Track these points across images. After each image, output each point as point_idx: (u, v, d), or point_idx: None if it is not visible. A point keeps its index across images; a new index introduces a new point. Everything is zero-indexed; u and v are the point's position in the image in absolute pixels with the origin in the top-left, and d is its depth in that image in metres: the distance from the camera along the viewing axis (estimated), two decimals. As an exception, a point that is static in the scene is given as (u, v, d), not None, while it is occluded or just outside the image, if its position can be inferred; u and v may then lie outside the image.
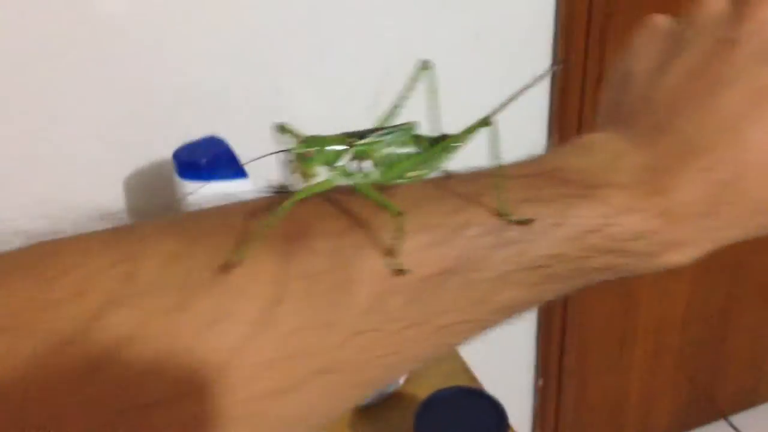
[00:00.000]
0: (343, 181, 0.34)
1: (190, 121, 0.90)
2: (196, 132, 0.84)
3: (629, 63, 0.40)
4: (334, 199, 0.33)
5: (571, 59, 1.05)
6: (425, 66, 0.38)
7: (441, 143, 0.36)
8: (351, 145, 0.34)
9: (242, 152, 0.81)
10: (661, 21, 0.41)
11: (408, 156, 0.36)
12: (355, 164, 0.35)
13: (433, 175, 0.36)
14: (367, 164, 0.35)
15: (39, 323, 0.26)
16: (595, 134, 0.38)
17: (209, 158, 0.80)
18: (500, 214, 0.33)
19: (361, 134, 0.35)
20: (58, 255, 0.29)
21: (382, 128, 0.36)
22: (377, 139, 0.35)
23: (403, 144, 0.36)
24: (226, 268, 0.29)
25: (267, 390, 0.29)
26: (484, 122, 0.34)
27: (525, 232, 0.33)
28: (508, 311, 0.34)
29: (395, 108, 0.38)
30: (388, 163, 0.35)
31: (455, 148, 0.36)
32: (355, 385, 0.32)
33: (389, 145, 0.35)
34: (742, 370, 1.72)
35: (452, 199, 0.33)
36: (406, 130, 0.36)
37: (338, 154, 0.34)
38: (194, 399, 0.28)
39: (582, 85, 1.07)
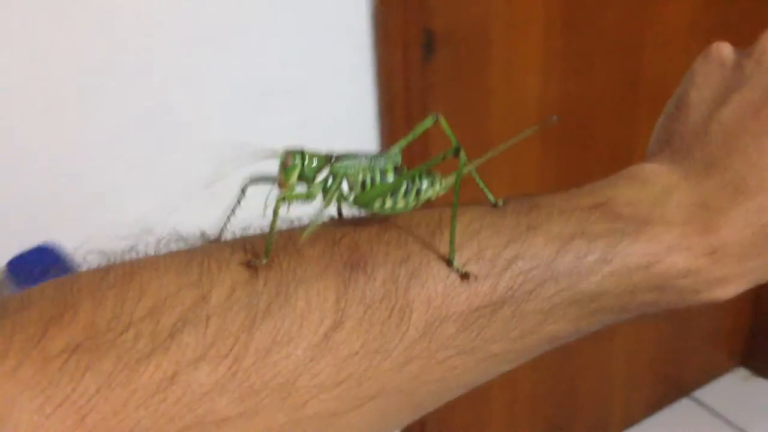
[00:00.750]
0: (321, 198, 0.35)
1: (22, 228, 0.88)
2: (29, 239, 0.83)
3: (687, 91, 0.39)
4: (390, 226, 0.34)
5: (394, 136, 1.09)
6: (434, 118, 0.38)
7: (416, 174, 0.36)
8: (331, 163, 0.35)
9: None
10: (724, 51, 0.40)
11: (383, 184, 0.35)
12: (330, 182, 0.35)
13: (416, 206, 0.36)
14: (345, 185, 0.36)
15: (119, 341, 0.28)
16: (648, 165, 0.38)
17: (42, 268, 0.80)
18: (448, 262, 0.33)
19: (344, 156, 0.36)
20: (135, 275, 0.30)
21: (367, 154, 0.36)
22: (356, 163, 0.35)
23: (383, 172, 0.36)
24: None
25: (324, 412, 0.30)
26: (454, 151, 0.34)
27: (574, 266, 0.33)
28: (553, 342, 0.35)
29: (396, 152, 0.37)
30: (362, 187, 0.35)
31: (430, 183, 0.36)
32: (406, 409, 0.33)
33: (367, 170, 0.35)
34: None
35: (506, 231, 0.34)
36: (388, 159, 0.36)
37: (316, 169, 0.35)
38: (258, 417, 0.29)
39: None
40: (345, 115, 1.09)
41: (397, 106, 1.07)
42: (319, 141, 1.10)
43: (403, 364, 0.31)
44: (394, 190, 0.35)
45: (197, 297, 0.29)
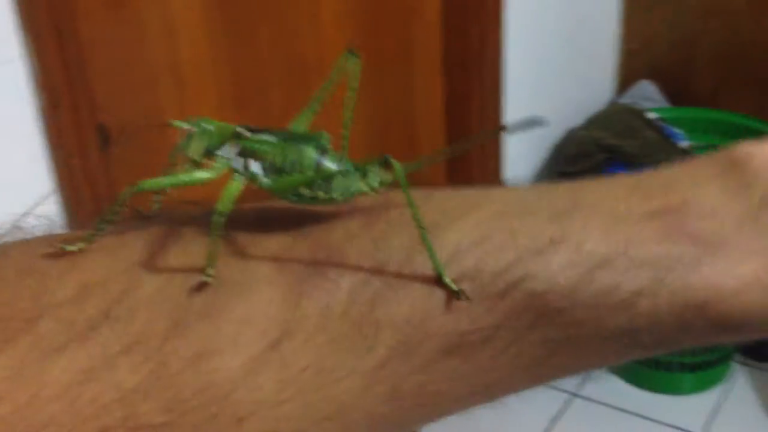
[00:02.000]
0: (238, 178, 0.29)
1: None
2: None
3: None
4: (374, 220, 0.29)
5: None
6: (351, 54, 0.32)
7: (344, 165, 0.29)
8: (238, 137, 0.30)
9: None
10: None
11: (302, 171, 0.29)
12: (240, 161, 0.30)
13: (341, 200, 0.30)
14: (256, 166, 0.30)
15: (35, 328, 0.25)
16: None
17: None
18: (437, 276, 0.27)
19: (261, 131, 0.30)
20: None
21: (287, 132, 0.30)
22: (271, 140, 0.30)
23: (303, 157, 0.29)
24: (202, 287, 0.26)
25: (267, 431, 0.26)
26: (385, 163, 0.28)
27: (601, 297, 0.27)
28: (567, 373, 0.30)
29: (316, 102, 0.31)
30: (278, 173, 0.29)
31: (361, 176, 0.29)
32: None
33: (285, 152, 0.29)
34: None
35: (523, 239, 0.28)
36: (312, 141, 0.30)
37: (220, 140, 0.30)
38: (187, 430, 0.25)
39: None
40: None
41: (85, 206, 1.04)
42: None
43: (369, 385, 0.27)
44: (313, 180, 0.29)
45: (126, 287, 0.27)
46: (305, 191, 0.29)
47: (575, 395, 1.83)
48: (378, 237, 0.28)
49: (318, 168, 0.29)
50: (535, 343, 0.28)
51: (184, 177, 0.31)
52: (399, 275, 0.27)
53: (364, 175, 0.29)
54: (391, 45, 1.56)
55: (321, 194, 0.29)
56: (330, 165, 0.29)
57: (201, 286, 0.27)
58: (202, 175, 0.30)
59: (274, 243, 0.28)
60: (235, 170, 0.30)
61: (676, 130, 1.83)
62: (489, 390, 0.29)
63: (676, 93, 2.01)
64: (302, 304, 0.27)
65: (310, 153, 0.29)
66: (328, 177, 0.29)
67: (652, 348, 0.29)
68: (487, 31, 1.60)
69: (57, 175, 1.02)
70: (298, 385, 0.26)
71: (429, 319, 0.27)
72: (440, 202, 0.30)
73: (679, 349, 0.30)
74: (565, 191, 0.30)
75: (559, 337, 0.27)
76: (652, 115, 1.83)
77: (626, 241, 0.27)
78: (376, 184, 0.29)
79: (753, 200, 0.27)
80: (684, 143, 1.80)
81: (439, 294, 0.27)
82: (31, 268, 0.27)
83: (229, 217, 0.28)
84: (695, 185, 0.28)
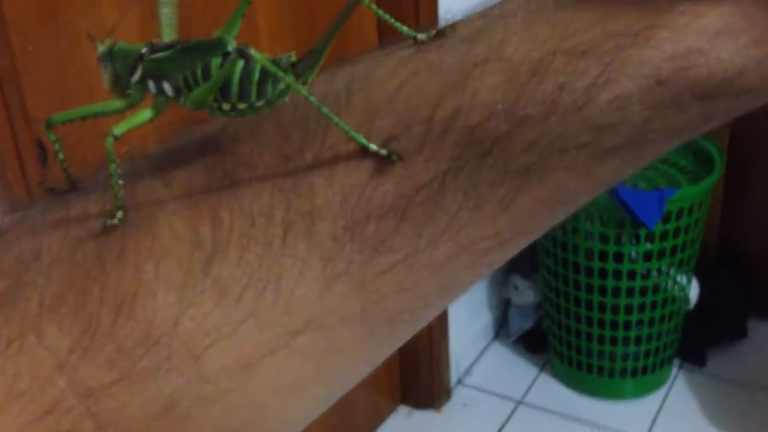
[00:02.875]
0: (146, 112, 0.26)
1: None
2: None
3: None
4: (277, 114, 0.26)
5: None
6: None
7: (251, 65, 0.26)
8: (141, 58, 0.27)
9: None
10: None
11: (209, 80, 0.26)
12: (151, 84, 0.27)
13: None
14: (168, 86, 0.27)
15: None
16: None
17: None
18: (363, 147, 0.24)
19: (166, 47, 0.27)
20: None
21: (188, 42, 0.27)
22: (171, 55, 0.27)
23: (207, 65, 0.26)
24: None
25: (231, 363, 0.24)
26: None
27: (550, 105, 0.23)
28: (560, 204, 0.26)
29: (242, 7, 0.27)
30: (187, 86, 0.27)
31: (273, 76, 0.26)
32: (358, 342, 0.25)
33: (189, 64, 0.27)
34: None
35: (444, 76, 0.25)
36: (215, 46, 0.26)
37: (126, 66, 0.27)
38: (142, 383, 0.23)
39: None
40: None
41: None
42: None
43: (327, 285, 0.24)
44: (225, 87, 0.26)
45: (34, 253, 0.25)
46: (225, 104, 0.26)
47: (520, 402, 1.84)
48: (287, 127, 0.26)
49: (224, 73, 0.26)
50: (497, 181, 0.24)
51: (97, 107, 0.28)
52: (319, 158, 0.25)
53: (275, 77, 0.26)
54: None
55: (242, 105, 0.26)
56: (237, 67, 0.26)
57: (107, 231, 0.25)
58: (115, 104, 0.28)
59: (182, 173, 0.26)
60: (154, 95, 0.27)
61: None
62: (474, 250, 0.25)
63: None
64: (223, 217, 0.25)
65: (215, 59, 0.27)
66: (238, 84, 0.26)
67: (638, 146, 0.25)
68: None
69: (-8, 192, 0.99)
70: (247, 307, 0.24)
71: (368, 192, 0.25)
72: (343, 76, 0.27)
73: (650, 157, 0.25)
74: (471, 18, 0.27)
75: (518, 166, 0.24)
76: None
77: (560, 35, 0.24)
78: (291, 83, 0.26)
79: None
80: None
81: (370, 164, 0.25)
82: None
83: (141, 156, 0.27)
84: None
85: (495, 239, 0.25)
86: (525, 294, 1.99)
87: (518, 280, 1.99)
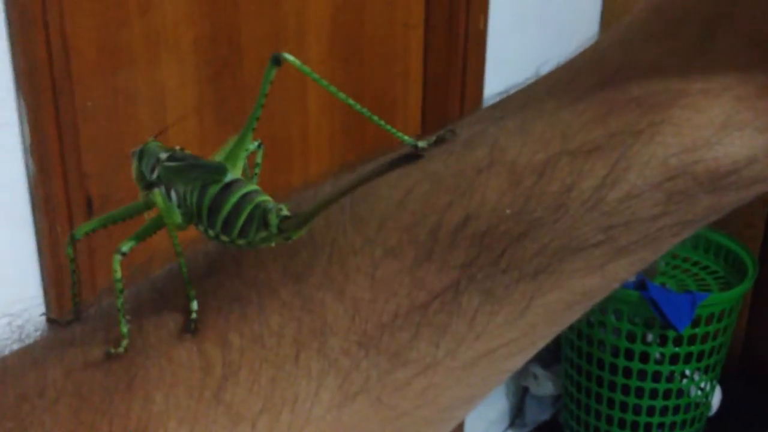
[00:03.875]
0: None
1: None
2: None
3: None
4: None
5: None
6: (277, 61, 0.28)
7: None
8: (158, 161, 0.27)
9: None
10: None
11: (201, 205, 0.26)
12: (162, 189, 0.27)
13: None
14: (173, 195, 0.27)
15: None
16: None
17: None
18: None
19: (182, 157, 0.27)
20: None
21: (196, 159, 0.27)
22: (176, 166, 0.27)
23: (205, 187, 0.26)
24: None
25: None
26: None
27: (558, 207, 0.23)
28: (578, 303, 0.25)
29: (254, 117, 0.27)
30: (187, 203, 0.26)
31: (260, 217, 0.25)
32: None
33: (185, 182, 0.26)
34: None
35: (449, 182, 0.24)
36: (215, 173, 0.26)
37: (149, 165, 0.27)
38: None
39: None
40: (5, 293, 1.00)
41: (67, 274, 1.01)
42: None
43: (345, 404, 0.24)
44: (211, 215, 0.25)
45: (38, 388, 0.24)
46: (210, 231, 0.26)
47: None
48: (293, 249, 0.25)
49: (210, 205, 0.26)
50: (510, 287, 0.24)
51: (117, 212, 0.28)
52: (329, 269, 0.24)
53: (262, 221, 0.25)
54: (373, 130, 1.57)
55: (224, 237, 0.25)
56: (224, 204, 0.25)
57: (114, 359, 0.24)
58: (135, 206, 0.28)
59: (182, 294, 0.25)
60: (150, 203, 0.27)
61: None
62: (491, 359, 0.25)
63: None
64: (231, 341, 0.24)
65: (214, 185, 0.26)
66: (225, 214, 0.25)
67: (646, 243, 0.24)
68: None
69: (40, 243, 1.00)
70: (265, 425, 0.23)
71: (379, 303, 0.24)
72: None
73: (660, 249, 0.25)
74: (474, 118, 0.26)
75: (530, 270, 0.24)
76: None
77: (562, 136, 0.24)
78: (274, 231, 0.24)
79: (694, 33, 0.23)
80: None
81: (382, 272, 0.24)
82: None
83: (145, 279, 0.27)
84: (627, 44, 0.25)
85: (513, 345, 0.25)
86: (544, 384, 1.96)
87: (538, 370, 1.97)
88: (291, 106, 1.40)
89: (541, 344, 0.26)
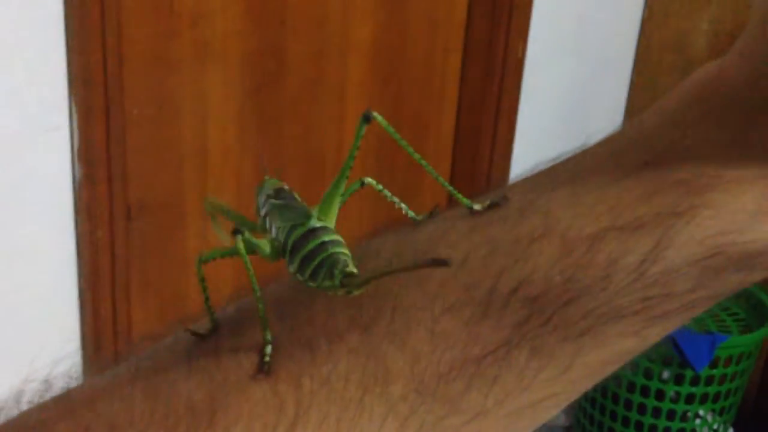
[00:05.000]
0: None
1: None
2: None
3: None
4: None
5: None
6: (366, 119, 0.30)
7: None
8: (268, 198, 0.30)
9: None
10: None
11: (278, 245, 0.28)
12: (267, 222, 0.29)
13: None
14: (274, 229, 0.29)
15: None
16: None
17: None
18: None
19: (285, 196, 0.30)
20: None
21: (294, 201, 0.30)
22: (281, 208, 0.29)
23: (292, 229, 0.28)
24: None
25: None
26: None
27: (604, 277, 0.25)
28: (612, 364, 0.27)
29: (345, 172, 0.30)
30: (279, 240, 0.29)
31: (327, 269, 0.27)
32: None
33: (285, 222, 0.29)
34: None
35: (504, 248, 0.26)
36: (301, 217, 0.29)
37: (262, 199, 0.30)
38: None
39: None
40: (45, 292, 1.01)
41: (104, 278, 1.03)
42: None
43: None
44: (293, 254, 0.28)
45: (128, 416, 0.25)
46: (290, 267, 0.28)
47: None
48: (359, 300, 0.27)
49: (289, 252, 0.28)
50: (556, 346, 0.26)
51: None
52: (393, 322, 0.26)
53: (329, 272, 0.27)
54: (405, 152, 1.59)
55: (299, 276, 0.27)
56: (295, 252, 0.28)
57: (201, 393, 0.26)
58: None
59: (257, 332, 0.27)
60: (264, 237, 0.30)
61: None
62: (534, 410, 0.27)
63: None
64: (303, 383, 0.26)
65: (300, 228, 0.28)
66: (302, 256, 0.27)
67: (685, 310, 0.26)
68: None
69: (80, 246, 1.01)
70: None
71: (437, 354, 0.26)
72: (409, 243, 0.28)
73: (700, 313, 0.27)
74: (528, 189, 0.28)
75: (575, 333, 0.26)
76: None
77: (611, 211, 0.26)
78: (337, 284, 0.27)
79: (733, 122, 0.26)
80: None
81: (442, 326, 0.26)
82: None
83: (220, 315, 0.28)
84: (672, 127, 0.27)
85: (553, 399, 0.27)
86: (556, 415, 1.96)
87: (550, 398, 1.97)
88: (328, 121, 1.41)
89: (576, 396, 0.28)
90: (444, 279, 0.26)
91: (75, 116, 0.96)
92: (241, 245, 0.28)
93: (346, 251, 0.27)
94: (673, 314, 0.26)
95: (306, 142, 1.38)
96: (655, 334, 0.27)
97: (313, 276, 0.27)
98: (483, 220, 0.28)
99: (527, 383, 0.26)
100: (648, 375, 1.66)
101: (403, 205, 0.31)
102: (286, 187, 0.31)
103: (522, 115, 1.67)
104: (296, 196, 0.31)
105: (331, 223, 0.30)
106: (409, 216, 0.31)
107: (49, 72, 0.93)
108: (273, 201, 0.30)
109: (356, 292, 0.26)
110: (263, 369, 0.26)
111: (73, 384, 0.29)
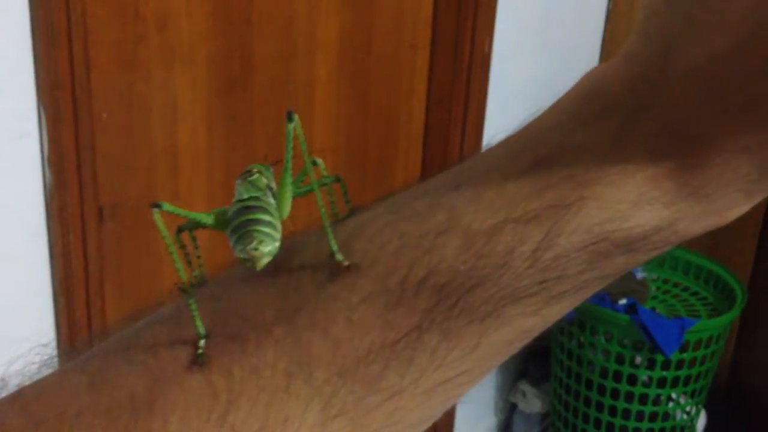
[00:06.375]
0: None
1: None
2: None
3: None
4: (264, 277, 0.30)
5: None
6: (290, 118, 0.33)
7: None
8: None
9: None
10: None
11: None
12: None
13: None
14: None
15: None
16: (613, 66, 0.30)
17: None
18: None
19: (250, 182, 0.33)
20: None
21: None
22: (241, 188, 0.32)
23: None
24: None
25: None
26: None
27: (503, 264, 0.28)
28: (518, 339, 0.30)
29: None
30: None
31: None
32: None
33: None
34: None
35: (412, 242, 0.29)
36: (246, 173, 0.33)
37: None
38: None
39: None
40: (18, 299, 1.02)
41: (77, 282, 1.04)
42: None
43: (326, 424, 0.28)
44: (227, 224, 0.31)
45: (76, 406, 0.28)
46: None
47: None
48: (284, 283, 0.30)
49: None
50: (463, 328, 0.29)
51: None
52: (314, 312, 0.29)
53: (242, 246, 0.30)
54: (375, 147, 1.61)
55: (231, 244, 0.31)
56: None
57: (137, 386, 0.29)
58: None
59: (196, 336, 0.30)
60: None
61: (634, 261, 1.90)
62: (447, 385, 0.30)
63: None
64: (234, 373, 0.28)
65: (234, 205, 0.32)
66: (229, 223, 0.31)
67: (577, 289, 0.30)
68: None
69: (52, 250, 1.02)
70: None
71: (356, 341, 0.29)
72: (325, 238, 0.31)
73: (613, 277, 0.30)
74: (438, 183, 0.31)
75: (480, 316, 0.29)
76: (611, 244, 1.90)
77: (508, 205, 0.29)
78: (243, 257, 0.30)
79: (615, 121, 0.29)
80: (640, 274, 1.87)
81: (359, 313, 0.29)
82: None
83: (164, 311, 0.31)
84: (563, 126, 0.30)
85: (465, 375, 0.30)
86: (532, 402, 1.99)
87: (527, 387, 2.00)
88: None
89: (489, 372, 0.32)
90: (361, 271, 0.29)
91: (44, 123, 0.96)
92: (157, 216, 0.31)
93: (266, 230, 0.30)
94: (568, 294, 0.30)
95: (276, 141, 1.40)
96: (554, 312, 0.30)
97: (234, 246, 0.30)
98: (395, 217, 0.31)
99: (439, 363, 0.29)
100: (620, 360, 1.69)
101: (333, 200, 0.34)
102: (258, 170, 0.34)
103: (490, 109, 1.69)
104: (263, 179, 0.34)
105: (283, 209, 0.33)
106: (333, 213, 0.34)
107: (16, 79, 0.94)
108: (239, 181, 0.33)
109: (257, 268, 0.30)
110: (197, 361, 0.29)
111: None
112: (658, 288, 1.88)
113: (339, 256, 0.29)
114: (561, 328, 1.76)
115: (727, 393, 2.03)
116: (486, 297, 0.29)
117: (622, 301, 1.69)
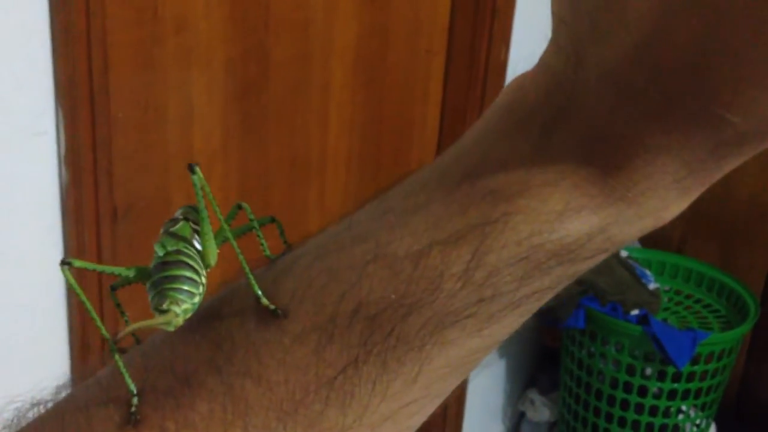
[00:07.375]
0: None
1: None
2: None
3: None
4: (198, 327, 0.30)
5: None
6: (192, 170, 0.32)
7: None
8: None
9: None
10: None
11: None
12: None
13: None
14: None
15: None
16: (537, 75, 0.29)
17: None
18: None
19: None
20: None
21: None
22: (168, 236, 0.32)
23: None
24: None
25: None
26: None
27: (434, 290, 0.27)
28: (468, 361, 0.29)
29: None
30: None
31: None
32: None
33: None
34: None
35: (344, 275, 0.29)
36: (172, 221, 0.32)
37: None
38: None
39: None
40: (31, 302, 1.03)
41: (90, 281, 1.04)
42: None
43: None
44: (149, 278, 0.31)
45: None
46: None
47: None
48: (217, 342, 0.30)
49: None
50: (401, 356, 0.28)
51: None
52: (244, 366, 0.29)
53: (156, 304, 0.30)
54: (389, 153, 1.61)
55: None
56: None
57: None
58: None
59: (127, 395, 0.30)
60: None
61: (646, 271, 1.90)
62: (397, 416, 0.29)
63: (647, 236, 2.09)
64: (168, 427, 0.28)
65: (155, 260, 0.31)
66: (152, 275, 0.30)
67: (516, 304, 0.29)
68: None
69: (67, 248, 1.03)
70: None
71: (292, 383, 0.28)
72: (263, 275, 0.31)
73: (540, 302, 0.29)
74: (364, 214, 0.31)
75: (418, 343, 0.28)
76: (623, 253, 1.90)
77: (434, 227, 0.28)
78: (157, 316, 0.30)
79: (534, 132, 0.28)
80: (652, 285, 1.86)
81: (289, 361, 0.28)
82: None
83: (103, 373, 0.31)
84: (485, 139, 0.29)
85: (413, 405, 0.29)
86: (540, 411, 1.99)
87: (535, 396, 1.99)
88: (312, 125, 1.43)
89: (442, 398, 0.31)
90: (290, 312, 0.29)
91: (61, 121, 0.97)
92: (67, 273, 0.30)
93: (184, 287, 0.30)
94: (507, 310, 0.29)
95: (290, 145, 1.40)
96: (497, 331, 0.29)
97: (151, 303, 0.30)
98: (322, 251, 0.30)
99: (382, 395, 0.29)
100: (631, 371, 1.68)
101: (264, 242, 0.34)
102: (184, 216, 0.33)
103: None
104: (189, 226, 0.33)
105: (208, 258, 0.32)
106: (265, 255, 0.33)
107: (35, 78, 0.95)
108: (162, 231, 0.32)
109: (171, 328, 0.29)
110: (131, 420, 0.29)
111: (62, 389, 0.32)
112: (670, 299, 1.87)
113: (264, 301, 0.29)
114: (571, 337, 1.75)
115: (738, 408, 2.02)
116: (422, 323, 0.28)
117: (635, 312, 1.69)
